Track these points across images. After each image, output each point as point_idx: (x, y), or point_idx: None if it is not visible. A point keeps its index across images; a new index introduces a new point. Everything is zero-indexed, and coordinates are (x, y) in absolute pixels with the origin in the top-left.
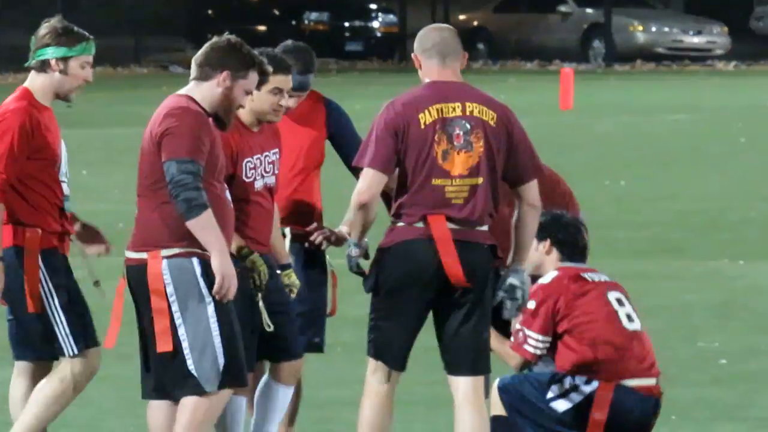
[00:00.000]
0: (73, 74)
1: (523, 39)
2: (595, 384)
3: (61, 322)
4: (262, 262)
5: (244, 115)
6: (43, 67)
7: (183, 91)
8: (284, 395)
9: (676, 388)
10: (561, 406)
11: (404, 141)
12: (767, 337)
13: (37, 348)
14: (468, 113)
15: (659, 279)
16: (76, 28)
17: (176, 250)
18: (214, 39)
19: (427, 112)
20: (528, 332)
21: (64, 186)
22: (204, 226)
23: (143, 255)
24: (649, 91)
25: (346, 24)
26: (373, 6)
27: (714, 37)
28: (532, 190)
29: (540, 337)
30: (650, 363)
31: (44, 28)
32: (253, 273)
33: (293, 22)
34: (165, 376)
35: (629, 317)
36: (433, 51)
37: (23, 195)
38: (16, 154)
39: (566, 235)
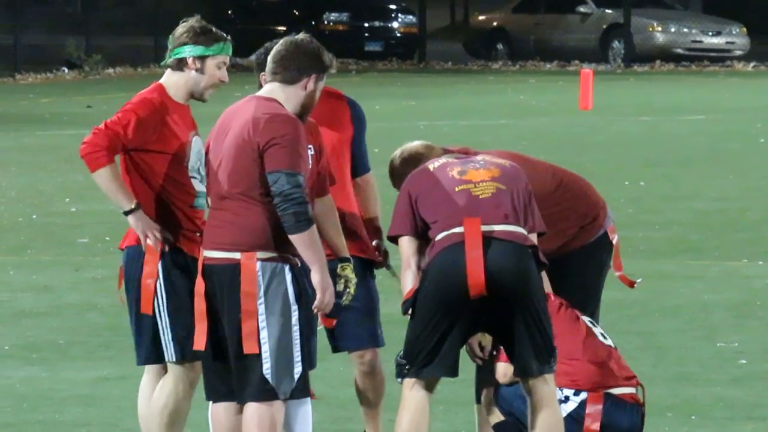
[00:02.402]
0: (209, 73)
1: (542, 39)
2: (583, 395)
3: (166, 327)
4: (354, 276)
5: None
6: (180, 65)
7: (265, 93)
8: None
9: (696, 388)
10: None
11: (415, 189)
12: None
13: (148, 350)
14: (480, 159)
15: (678, 279)
16: (214, 29)
17: (272, 254)
18: (294, 39)
19: (434, 161)
20: None
21: (196, 182)
22: (308, 242)
23: (235, 255)
24: (668, 91)
25: (366, 24)
26: (393, 6)
27: (733, 37)
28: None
29: None
30: (629, 374)
31: (182, 27)
32: (342, 280)
33: (313, 23)
34: (238, 378)
35: (603, 335)
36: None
37: (148, 194)
38: (130, 136)
39: None
